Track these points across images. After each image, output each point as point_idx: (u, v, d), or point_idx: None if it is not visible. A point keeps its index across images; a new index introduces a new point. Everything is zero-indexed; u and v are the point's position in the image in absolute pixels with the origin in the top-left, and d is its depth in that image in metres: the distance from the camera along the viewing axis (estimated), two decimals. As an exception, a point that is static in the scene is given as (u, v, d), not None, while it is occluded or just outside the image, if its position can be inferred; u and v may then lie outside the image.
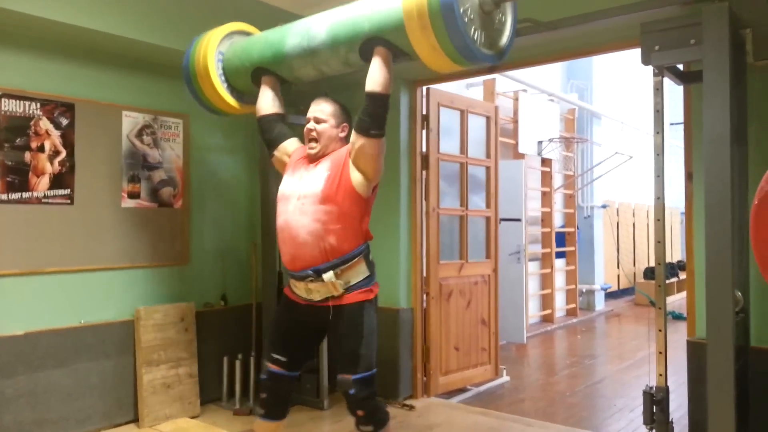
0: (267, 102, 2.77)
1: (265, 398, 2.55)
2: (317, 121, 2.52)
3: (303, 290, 2.45)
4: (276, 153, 2.73)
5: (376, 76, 2.35)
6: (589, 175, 8.55)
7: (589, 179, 8.57)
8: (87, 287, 3.49)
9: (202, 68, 2.90)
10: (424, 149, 4.29)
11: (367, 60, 2.40)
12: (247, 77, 2.89)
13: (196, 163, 4.09)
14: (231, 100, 3.01)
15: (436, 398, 4.18)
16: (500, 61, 2.48)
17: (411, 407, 3.98)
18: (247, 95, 3.05)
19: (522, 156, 6.82)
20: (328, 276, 2.35)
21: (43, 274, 3.32)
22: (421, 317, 4.23)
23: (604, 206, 8.89)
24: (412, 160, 4.23)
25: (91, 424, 3.45)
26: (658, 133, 2.61)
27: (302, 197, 2.43)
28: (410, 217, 4.23)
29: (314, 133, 2.51)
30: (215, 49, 2.93)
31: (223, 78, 2.97)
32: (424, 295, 4.27)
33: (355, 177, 2.43)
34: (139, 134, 3.80)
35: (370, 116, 2.38)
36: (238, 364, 4.00)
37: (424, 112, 4.30)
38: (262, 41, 2.83)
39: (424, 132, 4.30)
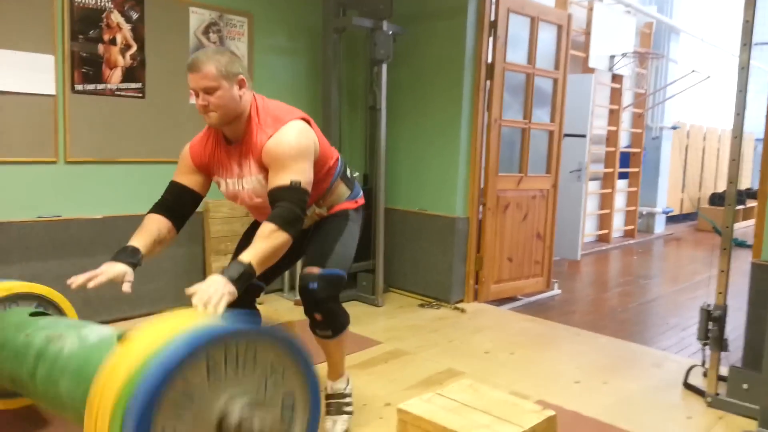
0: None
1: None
2: (208, 91, 1.93)
3: None
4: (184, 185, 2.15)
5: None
6: (662, 94, 8.12)
7: (661, 98, 8.15)
8: (157, 178, 3.63)
9: None
10: (489, 58, 4.16)
11: None
12: None
13: (259, 64, 4.11)
14: None
15: (486, 304, 4.29)
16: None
17: (462, 310, 4.11)
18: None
19: (592, 70, 6.53)
20: (309, 211, 2.18)
21: (117, 163, 3.51)
22: (476, 227, 4.26)
23: (674, 128, 8.49)
24: (476, 70, 4.12)
25: (164, 303, 3.73)
26: (745, 44, 2.45)
27: (258, 195, 2.10)
28: (471, 128, 4.17)
29: (210, 107, 1.96)
30: None
31: None
32: (481, 206, 4.28)
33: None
34: (206, 31, 3.83)
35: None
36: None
37: (492, 19, 4.13)
38: None
39: (490, 40, 4.16)
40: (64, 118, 3.28)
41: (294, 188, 1.94)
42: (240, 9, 3.95)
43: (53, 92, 3.23)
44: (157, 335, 1.44)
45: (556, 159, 4.69)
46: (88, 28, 3.33)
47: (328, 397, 2.36)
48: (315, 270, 2.12)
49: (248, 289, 2.14)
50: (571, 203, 6.02)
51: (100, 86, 3.41)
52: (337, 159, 2.28)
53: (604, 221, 7.37)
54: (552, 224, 4.72)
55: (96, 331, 1.83)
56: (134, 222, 3.53)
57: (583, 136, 5.98)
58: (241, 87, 1.99)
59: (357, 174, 4.32)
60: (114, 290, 3.50)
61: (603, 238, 7.32)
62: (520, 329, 3.78)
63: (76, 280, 1.85)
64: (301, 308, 2.19)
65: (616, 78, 7.13)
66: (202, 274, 3.87)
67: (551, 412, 1.99)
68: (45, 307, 2.24)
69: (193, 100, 3.76)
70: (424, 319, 3.91)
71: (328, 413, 2.34)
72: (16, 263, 3.16)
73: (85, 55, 3.33)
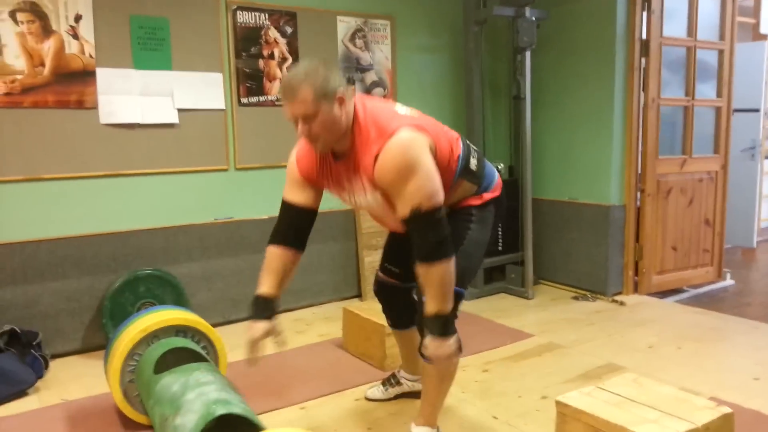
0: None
1: (383, 308, 2.42)
2: (306, 119, 1.75)
3: None
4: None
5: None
6: None
7: None
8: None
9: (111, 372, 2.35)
10: (644, 34, 3.90)
11: None
12: None
13: (403, 64, 4.23)
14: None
15: (647, 296, 4.03)
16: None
17: (621, 303, 3.90)
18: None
19: (764, 37, 5.84)
20: None
21: (279, 168, 3.80)
22: (634, 215, 4.02)
23: None
24: (629, 47, 3.89)
25: (324, 296, 4.01)
26: None
27: (374, 211, 2.01)
28: (625, 109, 3.95)
29: (312, 135, 1.79)
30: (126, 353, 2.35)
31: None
32: (639, 192, 4.04)
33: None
34: (352, 38, 4.01)
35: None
36: (446, 254, 4.24)
37: (645, -9, 3.88)
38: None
39: (644, 14, 3.90)
40: (233, 129, 3.62)
41: (415, 217, 1.77)
42: (383, 12, 4.10)
43: (223, 107, 3.59)
44: None
45: (725, 137, 4.29)
46: (249, 46, 3.65)
47: None
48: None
49: (393, 292, 2.30)
50: (745, 185, 5.46)
51: (262, 98, 3.72)
52: (458, 157, 1.99)
53: (785, 204, 6.57)
54: (722, 209, 4.32)
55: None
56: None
57: (757, 110, 5.39)
58: (341, 104, 1.78)
59: (501, 166, 4.33)
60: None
61: (784, 223, 6.52)
62: (687, 322, 3.52)
63: (253, 362, 1.92)
64: None
65: (796, 42, 6.30)
66: (356, 268, 4.08)
67: (727, 409, 1.85)
68: (199, 339, 2.47)
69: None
70: (578, 312, 3.78)
71: None
72: (198, 260, 3.56)
73: (248, 70, 3.65)
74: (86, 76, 3.20)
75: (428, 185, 1.77)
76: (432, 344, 1.83)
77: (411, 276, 2.03)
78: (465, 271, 1.97)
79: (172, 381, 2.01)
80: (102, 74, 3.24)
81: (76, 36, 3.17)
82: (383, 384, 2.60)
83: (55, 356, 3.18)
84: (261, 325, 1.90)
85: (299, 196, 2.00)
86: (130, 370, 2.34)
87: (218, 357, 2.51)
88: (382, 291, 2.38)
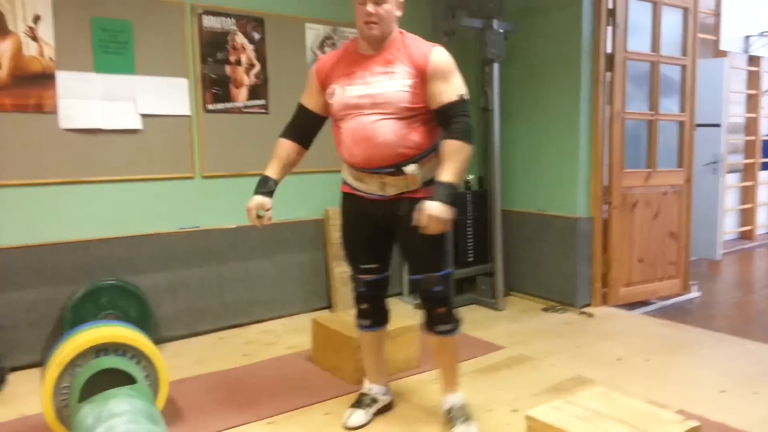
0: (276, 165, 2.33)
1: (367, 308, 2.44)
2: (378, 2, 2.10)
3: (375, 185, 2.23)
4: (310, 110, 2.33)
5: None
6: (810, 74, 7.30)
7: (810, 79, 7.33)
8: (283, 188, 3.75)
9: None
10: (609, 48, 3.96)
11: None
12: None
13: (374, 73, 4.20)
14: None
15: (615, 308, 4.06)
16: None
17: (590, 315, 3.92)
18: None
19: (724, 54, 6.01)
20: (411, 169, 2.16)
21: (246, 176, 3.71)
22: (601, 227, 4.06)
23: (826, 111, 7.60)
24: (594, 61, 3.94)
25: (292, 307, 3.93)
26: None
27: (381, 103, 2.13)
28: (591, 123, 3.99)
29: (374, 18, 2.10)
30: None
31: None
32: (605, 205, 4.08)
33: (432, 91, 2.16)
34: (321, 46, 3.97)
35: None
36: (416, 265, 4.21)
37: (610, 6, 3.93)
38: None
39: (609, 29, 3.96)
40: (199, 136, 3.54)
41: (463, 102, 2.14)
42: (352, 21, 4.04)
43: (188, 113, 3.50)
44: None
45: (688, 151, 4.37)
46: (215, 51, 3.58)
47: (451, 411, 2.38)
48: (435, 275, 2.25)
49: (381, 284, 2.41)
50: (708, 198, 5.58)
51: (229, 105, 3.64)
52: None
53: (746, 217, 6.74)
54: (687, 222, 4.39)
55: None
56: (265, 231, 3.77)
57: (718, 125, 5.53)
58: (399, 8, 2.19)
59: (471, 177, 4.33)
60: (249, 294, 3.76)
61: (746, 236, 6.69)
62: (655, 334, 3.55)
63: (261, 222, 2.25)
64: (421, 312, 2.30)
65: (753, 60, 6.51)
66: (326, 279, 4.02)
67: (695, 423, 1.85)
68: (138, 359, 2.37)
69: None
70: (548, 323, 3.78)
71: (456, 424, 2.34)
72: (162, 271, 3.46)
73: (214, 76, 3.58)
74: (45, 79, 3.09)
75: (463, 84, 2.18)
76: (437, 207, 2.02)
77: (387, 264, 2.41)
78: (450, 251, 2.34)
79: (87, 412, 1.91)
80: (62, 77, 3.13)
81: (34, 38, 3.06)
82: (361, 407, 2.48)
83: (13, 369, 3.05)
84: (257, 198, 2.23)
85: (313, 102, 2.31)
86: (63, 392, 2.24)
87: (158, 376, 2.39)
88: (369, 290, 2.41)
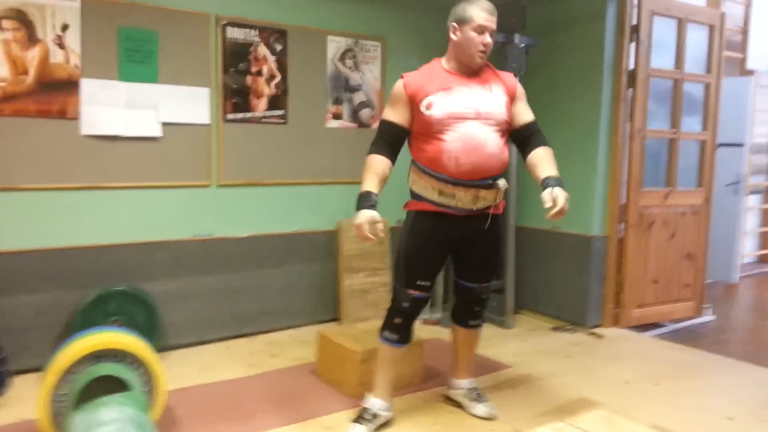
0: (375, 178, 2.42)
1: (401, 324, 2.51)
2: (491, 33, 2.39)
3: (469, 199, 2.39)
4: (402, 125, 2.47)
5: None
6: (841, 93, 7.13)
7: (841, 99, 7.16)
8: (297, 199, 3.90)
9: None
10: (631, 65, 3.93)
11: None
12: None
13: (392, 85, 4.20)
14: None
15: (626, 330, 4.02)
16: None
17: (600, 336, 3.89)
18: None
19: (750, 72, 5.91)
20: (503, 183, 2.45)
21: (262, 186, 3.77)
22: (616, 246, 4.02)
23: None
24: (616, 77, 3.91)
25: (301, 318, 3.96)
26: None
27: (485, 114, 2.38)
28: (611, 140, 3.96)
29: (487, 48, 2.40)
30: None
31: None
32: (622, 224, 4.04)
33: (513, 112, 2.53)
34: (342, 58, 4.01)
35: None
36: (428, 278, 4.21)
37: (634, 23, 3.91)
38: None
39: (632, 45, 3.93)
40: (218, 145, 3.60)
41: (535, 121, 2.54)
42: (374, 34, 4.10)
43: (208, 122, 3.56)
44: None
45: (709, 171, 4.31)
46: (237, 62, 3.63)
47: (477, 389, 2.75)
48: (486, 285, 2.63)
49: (424, 303, 2.56)
50: (728, 220, 5.49)
51: (248, 114, 3.70)
52: None
53: (766, 240, 6.61)
54: (705, 243, 4.33)
55: None
56: (275, 241, 3.82)
57: (741, 145, 5.44)
58: None
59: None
60: (258, 304, 3.80)
61: (765, 259, 6.56)
62: (666, 358, 3.51)
63: (377, 235, 2.30)
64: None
65: (782, 79, 6.38)
66: (335, 291, 4.04)
67: (695, 458, 1.83)
68: (137, 365, 2.36)
69: (330, 124, 3.98)
70: (557, 343, 3.76)
71: (482, 401, 2.70)
72: (174, 278, 3.51)
73: (235, 86, 3.63)
74: (70, 85, 3.17)
75: None
76: (561, 192, 2.28)
77: (433, 285, 2.56)
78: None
79: (80, 420, 1.94)
80: (86, 85, 3.20)
81: (61, 45, 3.14)
82: (362, 422, 2.50)
83: (20, 372, 3.07)
84: (366, 212, 2.28)
85: (400, 117, 2.44)
86: (61, 399, 2.25)
87: (157, 384, 2.40)
88: (411, 307, 2.52)
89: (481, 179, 2.37)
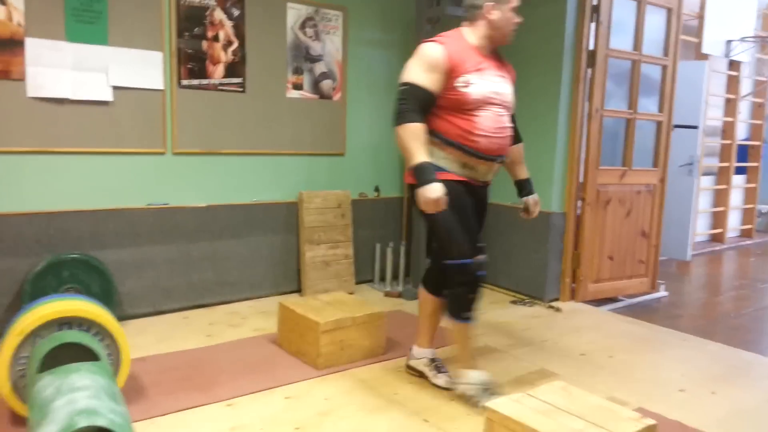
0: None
1: (474, 296, 2.52)
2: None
3: (485, 171, 2.54)
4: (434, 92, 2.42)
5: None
6: (788, 81, 7.40)
7: (787, 87, 7.43)
8: (257, 169, 3.80)
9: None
10: (591, 45, 3.96)
11: None
12: None
13: (353, 57, 4.15)
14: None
15: (583, 304, 4.10)
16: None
17: (557, 309, 3.95)
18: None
19: (705, 57, 6.06)
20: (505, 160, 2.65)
21: (220, 155, 3.66)
22: (574, 223, 4.08)
23: (801, 119, 7.72)
24: (576, 57, 3.93)
25: (261, 289, 3.89)
26: None
27: (506, 102, 2.52)
28: (570, 118, 3.99)
29: (516, 26, 2.54)
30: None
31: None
32: (579, 201, 4.09)
33: None
34: (302, 26, 3.91)
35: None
36: (389, 251, 4.20)
37: (595, 3, 3.93)
38: None
39: (592, 26, 3.95)
40: (172, 111, 3.46)
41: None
42: (335, 3, 4.01)
43: (162, 87, 3.42)
44: None
45: (664, 152, 4.40)
46: (193, 26, 3.49)
47: (433, 360, 2.76)
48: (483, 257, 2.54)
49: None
50: (681, 200, 5.64)
51: (204, 81, 3.57)
52: None
53: (718, 219, 6.84)
54: (659, 221, 4.44)
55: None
56: (235, 211, 3.72)
57: (695, 127, 5.59)
58: None
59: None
60: (217, 275, 3.71)
61: (717, 238, 6.80)
62: (620, 331, 3.58)
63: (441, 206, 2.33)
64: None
65: (734, 65, 6.57)
66: (296, 263, 3.98)
67: (651, 421, 1.86)
68: (102, 336, 2.33)
69: (291, 94, 3.89)
70: (515, 316, 3.80)
71: (435, 370, 2.73)
72: (128, 247, 3.39)
73: (190, 51, 3.50)
74: (13, 45, 2.99)
75: None
76: (538, 199, 2.81)
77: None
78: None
79: (47, 383, 1.87)
80: (31, 44, 3.03)
81: (2, 1, 2.95)
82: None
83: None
84: (437, 186, 2.29)
85: (433, 82, 2.37)
86: (21, 363, 2.18)
87: (120, 355, 2.36)
88: (483, 270, 2.53)
89: (500, 155, 2.54)
